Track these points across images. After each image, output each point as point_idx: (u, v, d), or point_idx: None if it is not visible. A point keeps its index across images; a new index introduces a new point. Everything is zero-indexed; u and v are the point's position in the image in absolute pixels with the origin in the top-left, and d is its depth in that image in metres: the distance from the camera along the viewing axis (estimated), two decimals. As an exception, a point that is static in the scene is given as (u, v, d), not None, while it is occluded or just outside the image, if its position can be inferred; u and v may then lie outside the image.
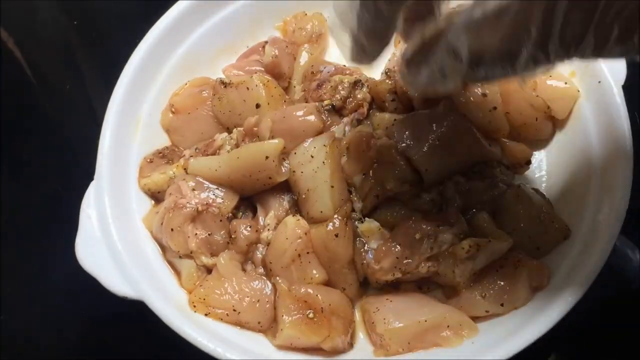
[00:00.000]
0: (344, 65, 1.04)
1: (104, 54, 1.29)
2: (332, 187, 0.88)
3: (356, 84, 0.99)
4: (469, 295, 0.86)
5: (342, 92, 0.97)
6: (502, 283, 0.85)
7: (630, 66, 0.94)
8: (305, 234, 0.86)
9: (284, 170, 0.90)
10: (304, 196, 0.89)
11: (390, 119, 0.94)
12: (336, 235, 0.86)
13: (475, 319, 0.86)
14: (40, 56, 1.33)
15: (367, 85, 0.99)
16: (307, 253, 0.87)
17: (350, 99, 0.98)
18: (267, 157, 0.88)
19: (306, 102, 1.01)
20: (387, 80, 0.98)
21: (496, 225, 0.88)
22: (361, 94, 0.98)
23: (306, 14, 1.15)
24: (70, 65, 1.32)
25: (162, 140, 1.05)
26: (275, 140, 0.89)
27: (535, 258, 0.88)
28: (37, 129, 1.22)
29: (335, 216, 0.86)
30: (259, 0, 1.14)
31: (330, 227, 0.86)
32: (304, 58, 1.09)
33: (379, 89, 0.98)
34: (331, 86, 0.98)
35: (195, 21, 1.10)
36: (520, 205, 0.89)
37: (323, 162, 0.88)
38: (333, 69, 1.01)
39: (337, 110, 0.97)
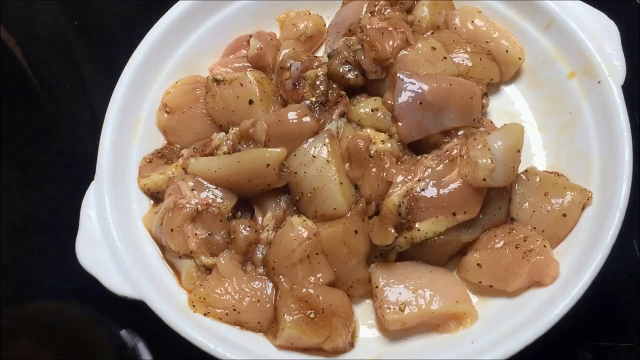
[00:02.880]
0: (309, 57, 1.02)
1: (104, 54, 1.29)
2: (342, 183, 0.89)
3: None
4: (470, 259, 0.88)
5: (321, 87, 0.98)
6: (504, 264, 0.86)
7: (630, 66, 0.95)
8: (314, 234, 0.87)
9: (282, 176, 0.90)
10: (309, 195, 0.89)
11: (366, 107, 0.96)
12: (355, 232, 0.87)
13: (475, 293, 0.89)
14: (41, 56, 1.33)
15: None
16: (317, 254, 0.87)
17: (330, 91, 0.98)
18: (268, 165, 0.88)
19: (286, 100, 1.00)
20: (335, 60, 0.98)
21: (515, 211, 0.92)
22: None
23: (309, 13, 1.15)
24: (71, 65, 1.32)
25: (162, 140, 1.05)
26: (278, 149, 0.89)
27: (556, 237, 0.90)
28: (37, 129, 1.22)
29: (351, 213, 0.87)
30: (259, 0, 1.14)
31: (349, 225, 0.87)
32: (283, 53, 1.07)
33: (332, 68, 0.98)
34: (309, 84, 0.98)
35: (195, 21, 1.10)
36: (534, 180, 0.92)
37: (327, 161, 0.89)
38: (300, 64, 1.00)
39: (323, 105, 0.98)
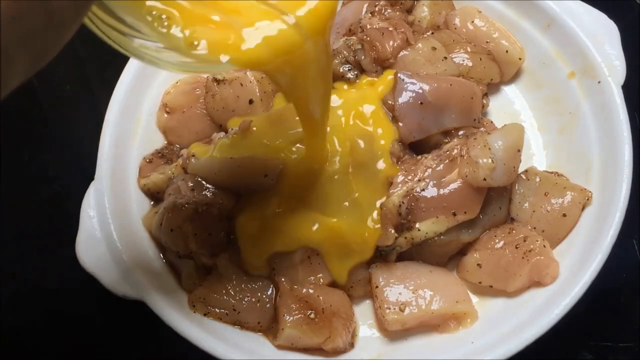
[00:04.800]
0: None
1: (104, 54, 1.28)
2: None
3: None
4: (470, 259, 0.88)
5: None
6: (504, 264, 0.86)
7: (630, 66, 0.95)
8: None
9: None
10: None
11: None
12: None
13: (475, 293, 0.89)
14: (41, 56, 1.33)
15: None
16: (317, 255, 0.87)
17: None
18: (266, 175, 0.88)
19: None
20: (335, 60, 0.99)
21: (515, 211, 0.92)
22: None
23: None
24: (71, 65, 1.32)
25: (162, 140, 1.04)
26: (276, 159, 0.88)
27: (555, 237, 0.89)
28: (37, 129, 1.22)
29: None
30: (260, 0, 1.14)
31: None
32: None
33: (334, 69, 0.98)
34: None
35: (196, 21, 1.10)
36: (534, 180, 0.92)
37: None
38: None
39: None
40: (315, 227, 0.86)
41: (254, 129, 0.92)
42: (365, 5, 1.06)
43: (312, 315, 0.83)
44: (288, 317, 0.83)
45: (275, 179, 0.89)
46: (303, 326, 0.83)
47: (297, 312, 0.84)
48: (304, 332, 0.82)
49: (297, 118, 0.81)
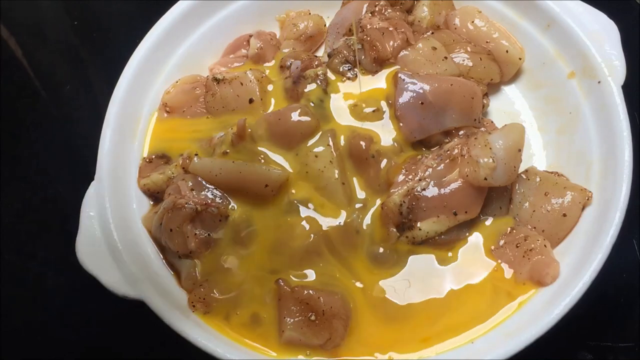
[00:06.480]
0: (309, 56, 1.03)
1: (104, 54, 1.29)
2: (343, 184, 0.89)
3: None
4: None
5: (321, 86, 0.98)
6: (504, 263, 0.86)
7: (630, 66, 0.95)
8: None
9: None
10: None
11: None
12: (357, 232, 0.87)
13: None
14: (42, 56, 1.33)
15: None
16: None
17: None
18: (266, 186, 0.88)
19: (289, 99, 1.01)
20: (335, 60, 0.99)
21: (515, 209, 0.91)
22: None
23: (309, 13, 1.15)
24: (71, 65, 1.32)
25: (162, 140, 1.04)
26: (279, 171, 0.88)
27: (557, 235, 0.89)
28: (38, 129, 1.22)
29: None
30: (259, 0, 1.14)
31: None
32: (283, 53, 1.08)
33: (332, 67, 0.99)
34: (309, 83, 0.98)
35: (195, 21, 1.10)
36: (534, 180, 0.91)
37: (330, 162, 0.89)
38: (299, 63, 1.00)
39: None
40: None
41: (249, 130, 0.92)
42: (365, 5, 1.06)
43: (313, 317, 0.83)
44: (289, 319, 0.83)
45: (276, 190, 0.89)
46: (303, 328, 0.83)
47: (297, 314, 0.83)
48: (305, 334, 0.82)
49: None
